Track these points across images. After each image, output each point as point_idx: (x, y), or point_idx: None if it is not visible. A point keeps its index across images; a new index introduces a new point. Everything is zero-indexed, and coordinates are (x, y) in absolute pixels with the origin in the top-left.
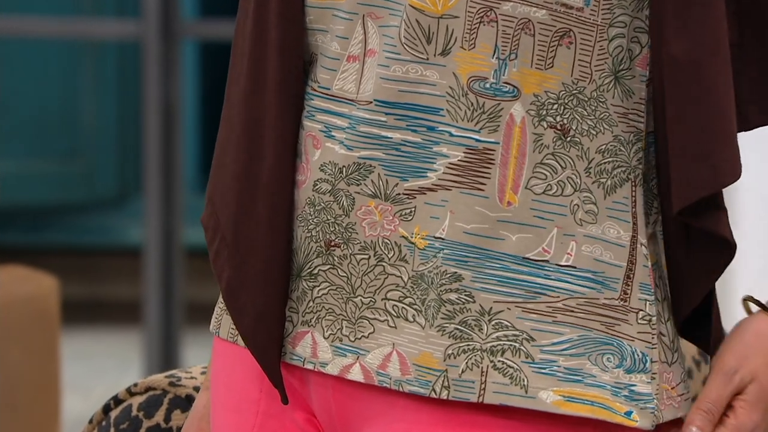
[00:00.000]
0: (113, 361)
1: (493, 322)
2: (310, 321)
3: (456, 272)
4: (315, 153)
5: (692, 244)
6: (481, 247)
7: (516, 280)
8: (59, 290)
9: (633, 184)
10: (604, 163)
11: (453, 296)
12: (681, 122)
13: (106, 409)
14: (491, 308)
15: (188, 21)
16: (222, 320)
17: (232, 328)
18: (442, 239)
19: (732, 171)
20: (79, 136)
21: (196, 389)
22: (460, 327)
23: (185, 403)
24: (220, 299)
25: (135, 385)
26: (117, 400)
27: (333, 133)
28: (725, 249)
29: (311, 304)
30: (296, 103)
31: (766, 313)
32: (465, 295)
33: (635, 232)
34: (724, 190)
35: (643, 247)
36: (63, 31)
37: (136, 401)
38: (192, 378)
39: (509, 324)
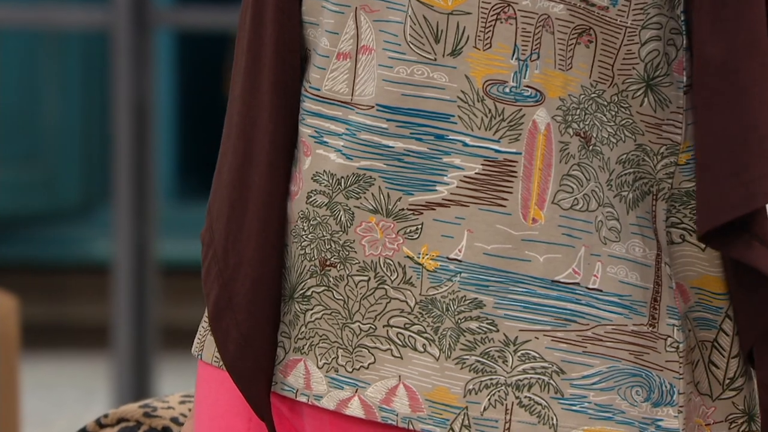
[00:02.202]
0: (78, 391)
1: (519, 353)
2: (303, 348)
3: (476, 298)
4: (305, 161)
5: (742, 275)
6: (504, 270)
7: (544, 306)
8: (18, 311)
9: (654, 197)
10: (625, 174)
11: (473, 325)
12: (710, 132)
13: None
14: (517, 337)
15: (163, 8)
16: (206, 342)
17: (217, 351)
18: (459, 261)
19: (767, 189)
20: (39, 138)
21: (174, 420)
22: (481, 359)
23: None
24: (205, 317)
25: (105, 416)
26: None
27: (325, 139)
28: (766, 287)
29: (303, 329)
30: (292, 104)
31: None
32: (487, 323)
33: (659, 249)
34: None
35: (667, 266)
36: (20, 20)
37: None
38: (169, 408)
39: (537, 355)
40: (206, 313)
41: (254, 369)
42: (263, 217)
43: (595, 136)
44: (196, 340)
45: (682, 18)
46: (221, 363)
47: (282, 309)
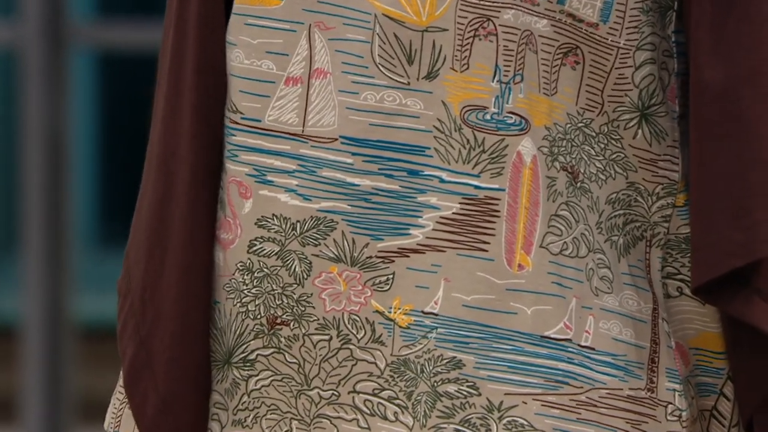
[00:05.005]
0: None
1: (504, 421)
2: (245, 420)
3: (454, 357)
4: (244, 205)
5: (741, 334)
6: (486, 324)
7: (533, 366)
8: None
9: (648, 243)
10: (615, 216)
11: (451, 388)
12: (706, 168)
13: None
14: (501, 402)
15: (81, 23)
16: (123, 416)
17: (137, 428)
18: (435, 315)
19: None
20: None
21: None
22: (461, 428)
23: None
24: (119, 387)
25: None
26: None
27: (270, 178)
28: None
29: (246, 398)
30: (216, 133)
31: None
32: (467, 386)
33: (655, 303)
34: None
35: (665, 322)
36: None
37: None
38: None
39: (525, 422)
40: (120, 381)
41: None
42: (184, 263)
43: (582, 171)
44: (109, 414)
45: (673, 39)
46: None
47: (216, 376)
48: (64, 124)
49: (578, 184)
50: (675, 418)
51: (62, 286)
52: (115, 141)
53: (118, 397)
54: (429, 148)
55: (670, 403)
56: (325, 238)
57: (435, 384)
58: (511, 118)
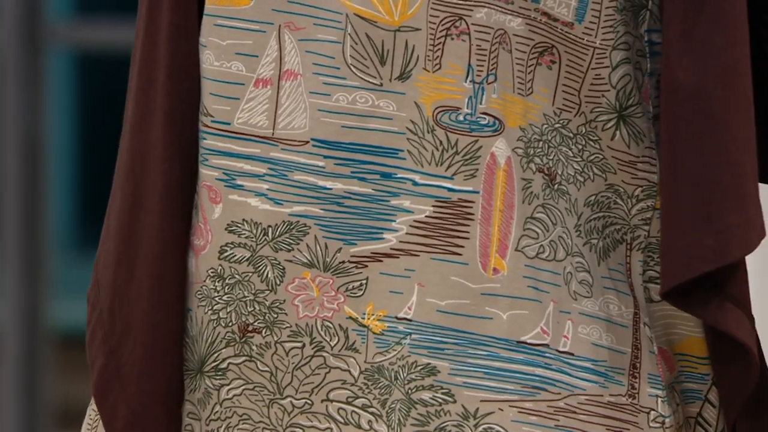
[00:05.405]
0: None
1: (480, 428)
2: (217, 430)
3: (429, 363)
4: (214, 210)
5: (718, 340)
6: (461, 330)
7: (509, 372)
8: None
9: (628, 247)
10: (594, 219)
11: (426, 395)
12: (678, 169)
13: None
14: (477, 409)
15: (59, 22)
16: (98, 428)
17: None
18: (409, 321)
19: (743, 241)
20: None
21: None
22: None
23: None
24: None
25: None
26: None
27: (240, 182)
28: (744, 356)
29: (218, 408)
30: (189, 138)
31: None
32: (442, 393)
33: (636, 308)
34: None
35: (646, 327)
36: None
37: None
38: None
39: (502, 429)
40: None
41: None
42: (156, 273)
43: (560, 173)
44: (85, 426)
45: (646, 38)
46: None
47: (189, 385)
48: (42, 126)
49: (555, 186)
50: (658, 425)
51: (39, 291)
52: (93, 143)
53: (94, 408)
54: (402, 151)
55: (653, 410)
56: (298, 243)
57: (409, 391)
58: (485, 119)
